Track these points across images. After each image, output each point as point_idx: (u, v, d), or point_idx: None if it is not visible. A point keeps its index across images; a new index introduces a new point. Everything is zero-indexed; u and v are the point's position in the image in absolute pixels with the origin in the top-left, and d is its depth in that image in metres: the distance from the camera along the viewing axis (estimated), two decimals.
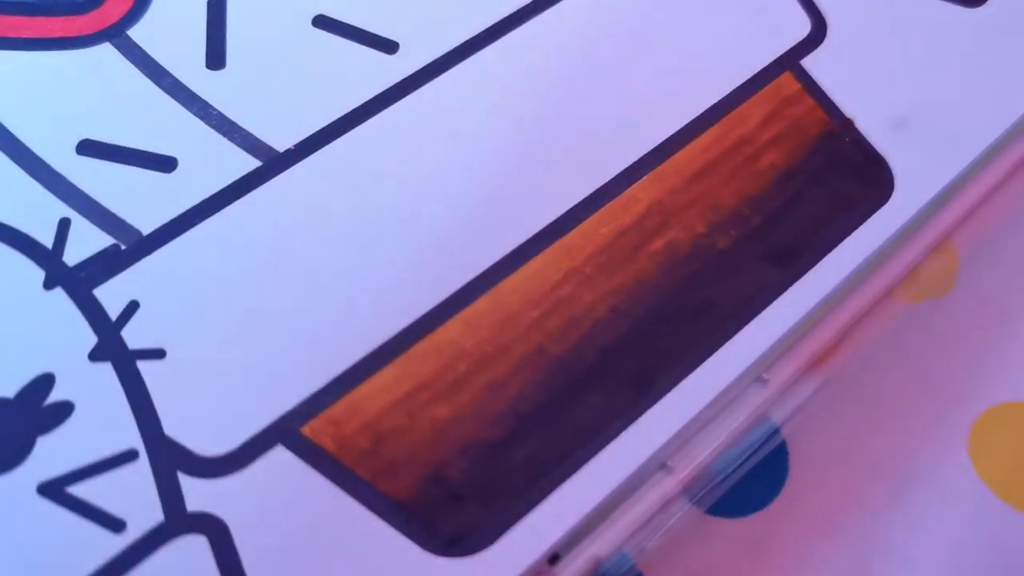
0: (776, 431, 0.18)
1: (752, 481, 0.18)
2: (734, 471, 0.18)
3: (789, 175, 0.19)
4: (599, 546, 0.16)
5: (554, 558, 0.16)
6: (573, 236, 0.18)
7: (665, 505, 0.17)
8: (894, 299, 0.19)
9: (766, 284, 0.18)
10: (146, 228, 0.17)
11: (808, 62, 0.20)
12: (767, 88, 0.20)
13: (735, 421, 0.17)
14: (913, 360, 0.20)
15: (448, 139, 0.18)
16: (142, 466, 0.15)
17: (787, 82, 0.20)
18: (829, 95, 0.20)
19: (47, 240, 0.17)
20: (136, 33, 0.19)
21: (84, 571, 0.14)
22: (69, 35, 0.18)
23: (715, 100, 0.19)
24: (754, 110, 0.20)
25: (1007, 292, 0.20)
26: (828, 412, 0.19)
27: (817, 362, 0.18)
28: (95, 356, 0.16)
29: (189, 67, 0.18)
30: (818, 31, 0.20)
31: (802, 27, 0.20)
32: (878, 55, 0.20)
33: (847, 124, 0.20)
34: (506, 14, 0.19)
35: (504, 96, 0.19)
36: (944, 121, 0.20)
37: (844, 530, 0.18)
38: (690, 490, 0.17)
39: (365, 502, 0.15)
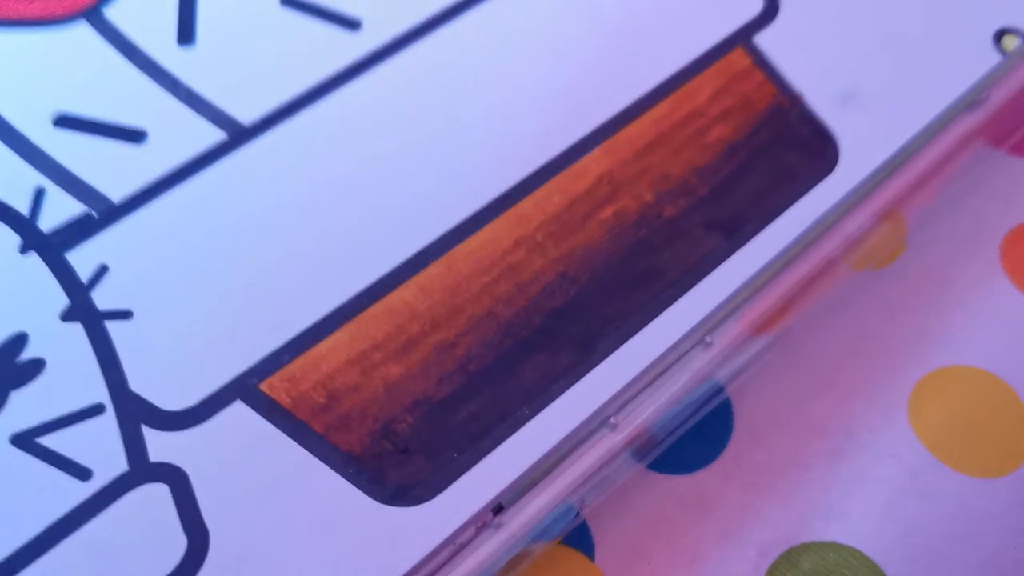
0: (721, 390, 0.19)
1: (697, 439, 0.19)
2: (678, 428, 0.18)
3: (736, 147, 0.20)
4: (543, 498, 0.17)
5: (498, 509, 0.17)
6: (525, 205, 0.19)
7: (609, 460, 0.18)
8: (842, 266, 0.20)
9: (710, 251, 0.19)
10: (117, 197, 0.18)
11: (760, 39, 0.21)
12: (719, 63, 0.20)
13: (678, 382, 0.18)
14: (858, 325, 0.20)
15: (405, 112, 0.19)
16: (108, 419, 0.16)
17: (738, 58, 0.21)
18: (779, 71, 0.21)
19: (24, 208, 0.17)
20: (111, 12, 0.19)
21: (53, 516, 0.15)
22: (48, 15, 0.19)
23: (668, 75, 0.20)
24: (706, 85, 0.20)
25: (950, 262, 0.21)
26: (773, 374, 0.20)
27: (762, 326, 0.19)
28: (66, 316, 0.17)
29: (160, 44, 0.19)
30: (770, 9, 0.21)
31: (755, 5, 0.21)
32: (828, 33, 0.21)
33: (795, 99, 0.20)
34: None
35: (460, 71, 0.19)
36: (890, 96, 0.20)
37: (786, 487, 0.19)
38: (635, 447, 0.18)
39: (318, 454, 0.16)
